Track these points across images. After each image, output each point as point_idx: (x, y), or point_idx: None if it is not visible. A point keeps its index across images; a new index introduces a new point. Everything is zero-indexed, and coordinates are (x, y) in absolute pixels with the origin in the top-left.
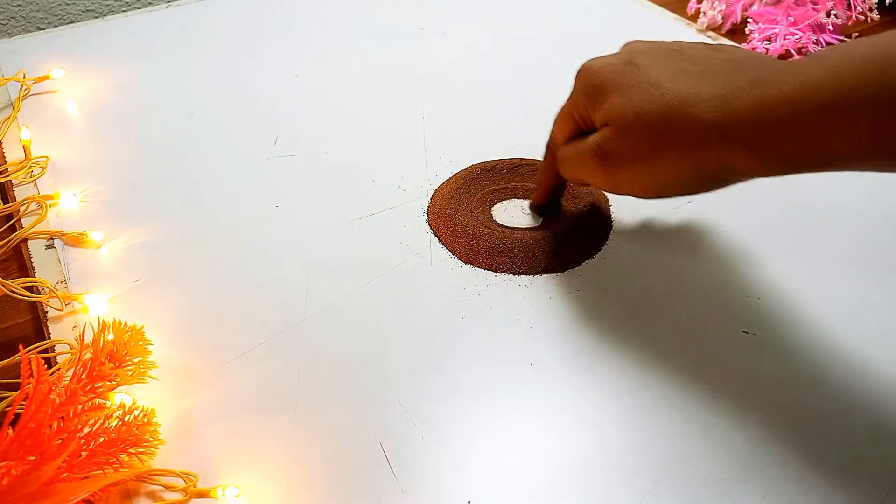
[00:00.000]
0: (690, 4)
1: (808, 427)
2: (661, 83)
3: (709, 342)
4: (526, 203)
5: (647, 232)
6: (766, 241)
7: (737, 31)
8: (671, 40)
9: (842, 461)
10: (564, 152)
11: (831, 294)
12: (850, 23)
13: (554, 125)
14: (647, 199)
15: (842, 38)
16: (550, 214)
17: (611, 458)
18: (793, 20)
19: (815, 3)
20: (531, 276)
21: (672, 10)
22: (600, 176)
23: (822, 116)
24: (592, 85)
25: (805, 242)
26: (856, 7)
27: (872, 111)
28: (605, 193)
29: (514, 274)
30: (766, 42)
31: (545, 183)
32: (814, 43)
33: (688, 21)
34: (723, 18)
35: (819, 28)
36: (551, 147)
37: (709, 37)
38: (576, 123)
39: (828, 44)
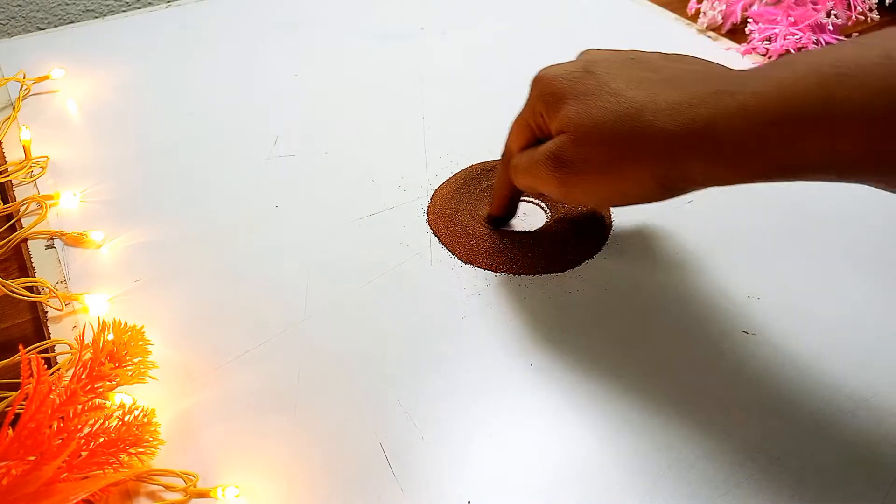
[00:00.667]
0: (690, 4)
1: (807, 427)
2: (619, 91)
3: (709, 342)
4: (524, 203)
5: (646, 232)
6: (766, 241)
7: (737, 31)
8: (628, 49)
9: (842, 460)
10: (519, 160)
11: (831, 294)
12: (850, 23)
13: (509, 134)
14: (600, 208)
15: (842, 38)
16: (502, 227)
17: (611, 458)
18: (793, 20)
19: (815, 4)
20: (531, 275)
21: (672, 10)
22: (555, 184)
23: (774, 128)
24: (549, 92)
25: (805, 242)
26: (856, 7)
27: (818, 125)
28: None
29: (514, 274)
30: (766, 42)
31: (500, 194)
32: (814, 43)
33: (688, 21)
34: (723, 18)
35: (819, 28)
36: (506, 157)
37: (709, 37)
38: (532, 132)
39: (828, 44)
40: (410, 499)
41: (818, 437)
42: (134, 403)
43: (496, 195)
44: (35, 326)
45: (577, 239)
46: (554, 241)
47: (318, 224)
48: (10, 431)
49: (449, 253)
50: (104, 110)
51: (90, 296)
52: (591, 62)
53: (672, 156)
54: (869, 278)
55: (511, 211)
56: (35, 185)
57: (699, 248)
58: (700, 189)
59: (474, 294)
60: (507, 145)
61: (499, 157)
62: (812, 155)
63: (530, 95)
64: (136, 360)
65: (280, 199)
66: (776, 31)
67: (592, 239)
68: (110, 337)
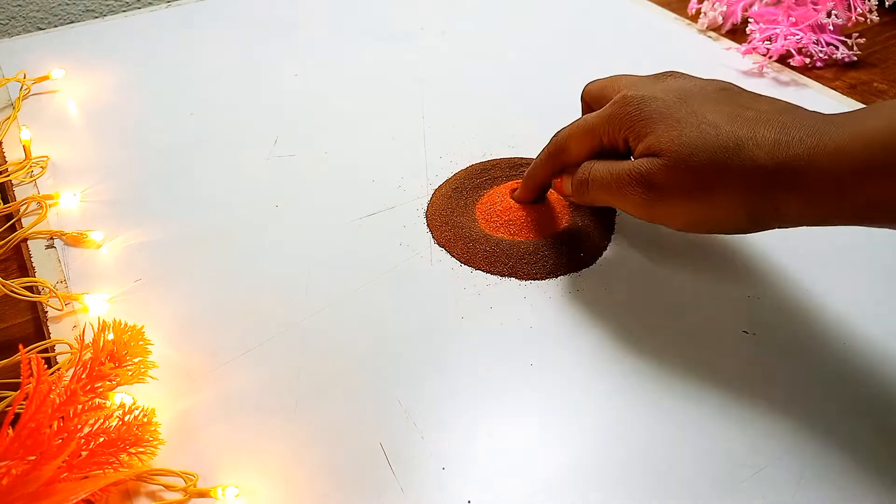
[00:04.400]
0: (691, 5)
1: (807, 427)
2: (717, 123)
3: (709, 342)
4: None
5: (646, 232)
6: (766, 240)
7: (737, 32)
8: (713, 80)
9: (842, 460)
10: (597, 174)
11: (831, 293)
12: (850, 23)
13: (571, 135)
14: (680, 231)
15: (842, 38)
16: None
17: (611, 458)
18: (793, 20)
19: (815, 4)
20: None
21: (672, 11)
22: (640, 205)
23: (867, 174)
24: (639, 114)
25: (805, 241)
26: (856, 8)
27: None
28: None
29: (512, 277)
30: (766, 42)
31: (535, 184)
32: (814, 43)
33: (688, 21)
34: (723, 19)
35: (820, 28)
36: (559, 151)
37: (709, 37)
38: (599, 143)
39: (828, 44)
40: (410, 499)
41: (818, 436)
42: (134, 403)
43: (530, 184)
44: (35, 326)
45: (575, 247)
46: (553, 248)
47: (318, 224)
48: (10, 431)
49: (448, 253)
50: (104, 110)
51: (90, 296)
52: (683, 91)
53: (767, 191)
54: (869, 278)
55: (540, 198)
56: (35, 184)
57: (699, 248)
58: (787, 227)
59: (474, 294)
60: (561, 144)
61: (498, 158)
62: None
63: (610, 111)
64: (136, 360)
65: (280, 199)
66: (777, 31)
67: (592, 247)
68: (110, 337)
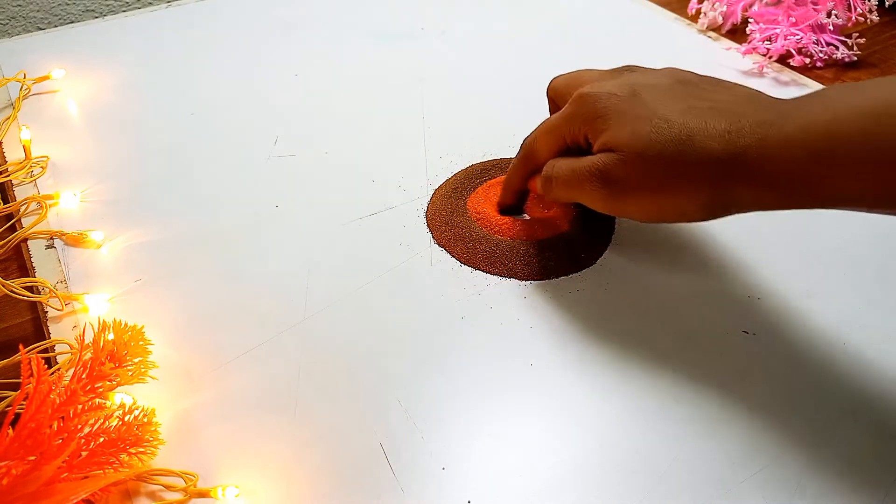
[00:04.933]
0: (691, 5)
1: (808, 427)
2: (668, 117)
3: (709, 342)
4: None
5: (646, 232)
6: (766, 241)
7: (737, 32)
8: (670, 70)
9: (842, 460)
10: (557, 172)
11: (832, 294)
12: (850, 23)
13: (538, 137)
14: (644, 223)
15: (842, 38)
16: (515, 215)
17: (610, 458)
18: (793, 20)
19: (815, 4)
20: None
21: (672, 10)
22: (600, 199)
23: (815, 162)
24: (594, 111)
25: (805, 242)
26: (856, 8)
27: (860, 162)
28: None
29: (512, 278)
30: (766, 42)
31: (514, 188)
32: (814, 43)
33: (688, 21)
34: (723, 19)
35: (819, 28)
36: (528, 154)
37: (709, 37)
38: (564, 142)
39: (828, 44)
40: (410, 499)
41: (818, 436)
42: (134, 403)
43: (509, 188)
44: (35, 326)
45: (575, 248)
46: (553, 249)
47: (318, 224)
48: (11, 431)
49: (448, 253)
50: (104, 110)
51: (90, 296)
52: (637, 85)
53: (720, 181)
54: (869, 278)
55: (521, 202)
56: (35, 184)
57: (699, 248)
58: (743, 213)
59: (474, 294)
60: (533, 146)
61: (498, 158)
62: (851, 189)
63: (569, 111)
64: (136, 360)
65: (280, 199)
66: (777, 31)
67: (591, 248)
68: (110, 337)
